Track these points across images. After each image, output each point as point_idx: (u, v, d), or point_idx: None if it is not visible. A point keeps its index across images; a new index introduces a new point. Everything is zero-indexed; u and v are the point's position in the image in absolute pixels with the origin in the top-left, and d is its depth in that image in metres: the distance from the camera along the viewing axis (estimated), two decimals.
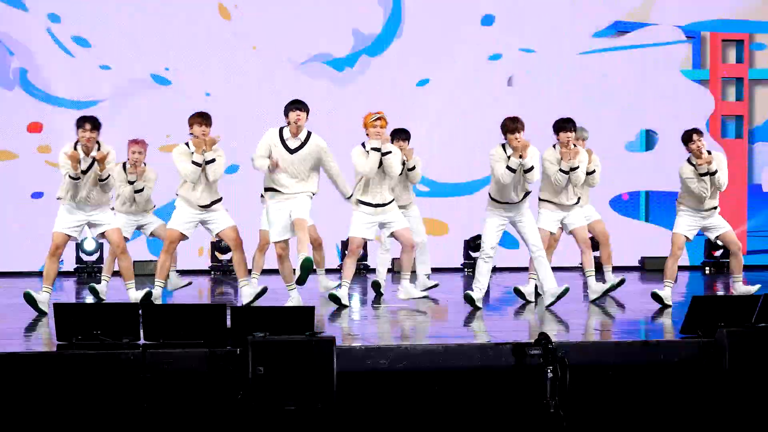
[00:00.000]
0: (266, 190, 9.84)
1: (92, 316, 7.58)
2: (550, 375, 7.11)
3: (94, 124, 9.78)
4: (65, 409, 7.02)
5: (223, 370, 7.16)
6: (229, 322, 7.52)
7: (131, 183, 10.81)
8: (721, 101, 15.88)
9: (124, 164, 10.87)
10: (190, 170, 9.90)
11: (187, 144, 10.03)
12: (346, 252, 10.65)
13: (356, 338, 8.53)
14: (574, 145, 10.49)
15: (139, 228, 11.05)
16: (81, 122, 9.80)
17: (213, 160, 9.92)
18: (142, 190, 10.78)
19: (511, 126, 9.84)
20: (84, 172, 9.72)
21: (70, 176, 9.67)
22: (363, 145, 10.25)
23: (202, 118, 10.02)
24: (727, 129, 15.96)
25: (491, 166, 9.94)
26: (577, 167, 10.46)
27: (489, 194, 10.17)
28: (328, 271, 11.86)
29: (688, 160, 10.50)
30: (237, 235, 10.14)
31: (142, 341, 7.49)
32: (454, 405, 7.41)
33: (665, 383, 7.64)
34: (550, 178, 10.53)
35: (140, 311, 7.61)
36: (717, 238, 10.81)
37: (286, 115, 9.68)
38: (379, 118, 10.15)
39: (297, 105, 9.67)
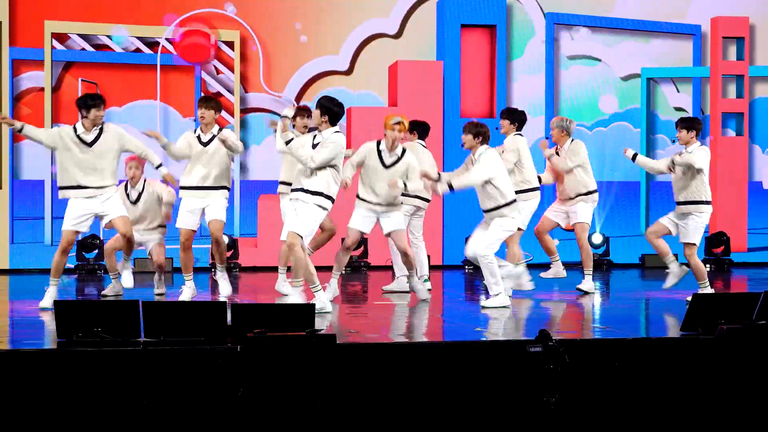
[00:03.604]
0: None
1: (93, 313, 7.58)
2: (550, 372, 7.11)
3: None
4: (66, 406, 7.02)
5: (223, 367, 7.16)
6: (229, 320, 7.53)
7: (134, 203, 10.97)
8: (722, 98, 15.90)
9: (126, 184, 11.03)
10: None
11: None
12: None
13: (357, 335, 8.53)
14: None
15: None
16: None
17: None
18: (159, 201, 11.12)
19: None
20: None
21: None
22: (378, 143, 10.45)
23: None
24: (728, 126, 15.98)
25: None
26: None
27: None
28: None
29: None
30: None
31: (142, 338, 7.50)
32: (454, 402, 7.41)
33: (666, 381, 7.64)
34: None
35: (141, 308, 7.62)
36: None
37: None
38: (399, 123, 10.28)
39: None
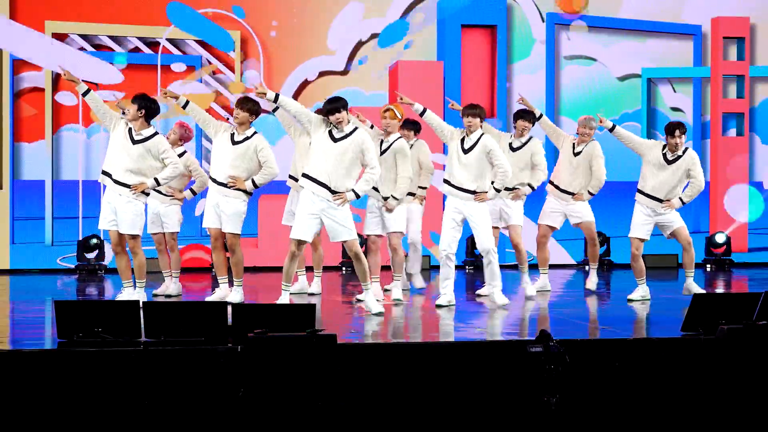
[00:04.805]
0: None
1: (93, 313, 7.58)
2: (551, 372, 7.11)
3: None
4: (67, 406, 7.02)
5: (223, 368, 7.16)
6: (230, 320, 7.53)
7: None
8: (723, 99, 15.88)
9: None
10: None
11: None
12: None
13: (357, 335, 8.53)
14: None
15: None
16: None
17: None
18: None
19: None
20: None
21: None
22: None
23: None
24: (728, 126, 15.97)
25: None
26: None
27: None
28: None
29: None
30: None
31: (143, 338, 7.50)
32: (454, 402, 7.41)
33: (666, 381, 7.63)
34: None
35: (141, 308, 7.62)
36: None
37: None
38: (387, 110, 10.54)
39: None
